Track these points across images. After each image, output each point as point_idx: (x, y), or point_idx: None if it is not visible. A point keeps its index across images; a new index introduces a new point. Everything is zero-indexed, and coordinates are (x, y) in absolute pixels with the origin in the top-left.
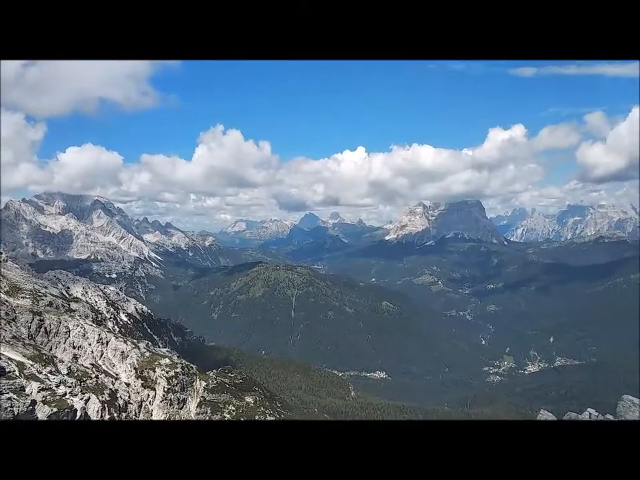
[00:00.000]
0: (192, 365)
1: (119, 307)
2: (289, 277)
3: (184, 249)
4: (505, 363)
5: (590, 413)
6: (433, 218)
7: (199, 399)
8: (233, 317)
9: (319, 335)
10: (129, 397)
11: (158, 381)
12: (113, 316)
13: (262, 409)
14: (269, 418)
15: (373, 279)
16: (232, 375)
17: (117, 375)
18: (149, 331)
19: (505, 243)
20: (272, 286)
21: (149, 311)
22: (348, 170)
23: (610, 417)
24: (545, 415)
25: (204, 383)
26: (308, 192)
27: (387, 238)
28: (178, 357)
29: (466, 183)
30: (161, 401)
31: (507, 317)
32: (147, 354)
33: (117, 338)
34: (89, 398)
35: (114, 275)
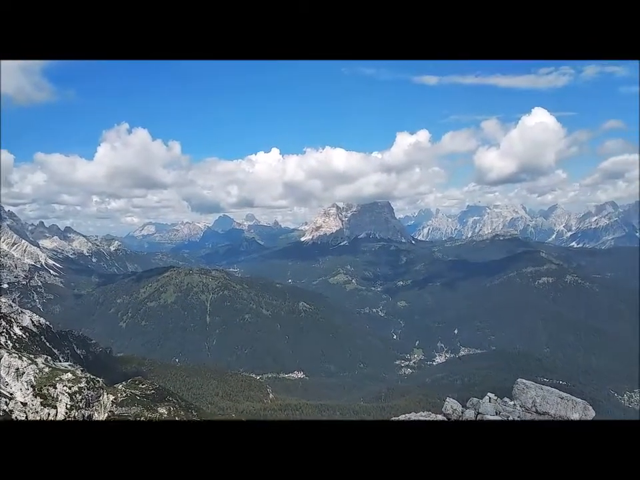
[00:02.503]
0: (98, 379)
1: (12, 320)
2: (202, 281)
3: (86, 254)
4: (415, 355)
5: (490, 397)
6: (346, 219)
7: (106, 414)
8: (143, 325)
9: (235, 339)
10: (26, 417)
11: (59, 398)
12: (5, 330)
13: (176, 419)
14: None
15: (290, 280)
16: (143, 386)
17: (11, 394)
18: (47, 344)
19: (413, 242)
20: (185, 291)
21: (47, 322)
22: (262, 171)
23: (507, 400)
24: (451, 403)
25: (112, 397)
26: (221, 193)
27: (302, 239)
28: (82, 370)
29: (376, 185)
30: (63, 419)
31: (416, 312)
32: (46, 369)
33: (10, 354)
34: None
35: (5, 285)
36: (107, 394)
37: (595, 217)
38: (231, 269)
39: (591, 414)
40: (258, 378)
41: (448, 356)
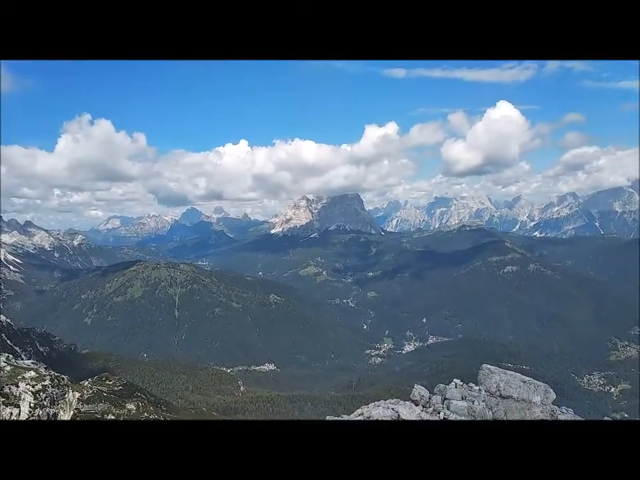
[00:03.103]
0: (63, 376)
1: None
2: (170, 275)
3: (48, 249)
4: (385, 345)
5: (456, 383)
6: (316, 211)
7: (72, 412)
8: (109, 320)
9: (205, 333)
10: None
11: (22, 397)
12: None
13: (145, 414)
14: None
15: (260, 273)
16: (110, 383)
17: None
18: (8, 342)
19: (382, 233)
20: (152, 285)
21: (8, 320)
22: (231, 163)
23: (472, 385)
24: (419, 389)
25: (78, 394)
26: (189, 186)
27: (272, 232)
28: (45, 368)
29: (345, 177)
30: (27, 419)
31: (386, 302)
32: (8, 368)
33: None
34: None
35: None
36: (73, 391)
37: (557, 208)
38: (200, 263)
39: (551, 396)
40: (229, 371)
41: (417, 344)
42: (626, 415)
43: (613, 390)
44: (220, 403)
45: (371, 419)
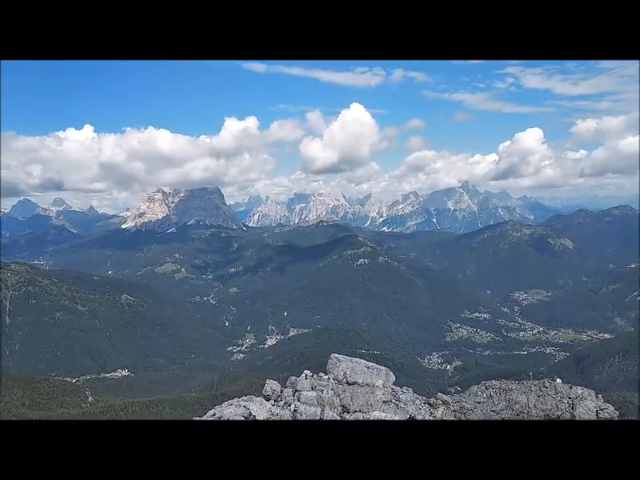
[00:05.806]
0: None
1: None
2: None
3: None
4: (247, 340)
5: (306, 374)
6: (174, 205)
7: None
8: None
9: (44, 341)
10: None
11: None
12: None
13: None
14: None
15: (110, 272)
16: None
17: None
18: None
19: (244, 228)
20: None
21: None
22: (73, 150)
23: (322, 375)
24: (271, 384)
25: None
26: (21, 174)
27: (123, 226)
28: None
29: (205, 170)
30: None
31: (248, 298)
32: None
33: None
34: None
35: None
36: None
37: (401, 205)
38: (36, 262)
39: (392, 379)
40: (74, 381)
41: (278, 338)
42: (459, 389)
43: (448, 367)
44: (65, 416)
45: (243, 418)
